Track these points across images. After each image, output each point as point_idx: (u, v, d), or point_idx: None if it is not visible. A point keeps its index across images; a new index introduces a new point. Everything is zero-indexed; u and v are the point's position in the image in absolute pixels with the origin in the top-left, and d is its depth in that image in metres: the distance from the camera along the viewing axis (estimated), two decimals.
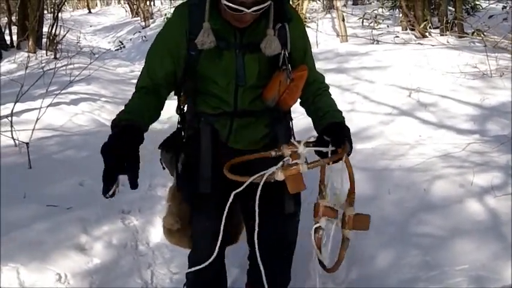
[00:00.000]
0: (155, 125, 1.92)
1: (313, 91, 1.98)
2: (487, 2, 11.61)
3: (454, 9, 8.98)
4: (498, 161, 3.66)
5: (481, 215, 3.08)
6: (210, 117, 1.99)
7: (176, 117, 2.14)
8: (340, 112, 1.91)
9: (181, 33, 1.87)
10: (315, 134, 1.85)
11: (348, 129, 1.80)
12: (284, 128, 2.09)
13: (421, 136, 4.54)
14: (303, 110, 2.06)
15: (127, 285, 2.90)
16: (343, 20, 9.05)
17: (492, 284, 2.48)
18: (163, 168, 2.21)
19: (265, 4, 1.71)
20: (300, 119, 2.44)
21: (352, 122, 4.86)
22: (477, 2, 11.04)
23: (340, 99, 5.59)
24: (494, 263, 2.61)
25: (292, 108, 2.10)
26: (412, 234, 3.01)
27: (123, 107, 1.81)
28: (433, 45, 7.45)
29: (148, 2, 18.54)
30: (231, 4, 1.67)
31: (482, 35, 7.56)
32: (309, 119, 1.98)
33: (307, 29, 2.09)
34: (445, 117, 4.90)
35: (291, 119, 2.16)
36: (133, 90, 1.92)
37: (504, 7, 10.58)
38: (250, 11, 1.67)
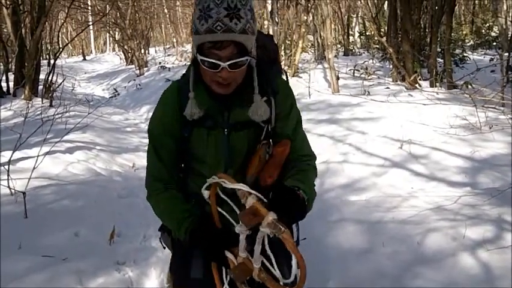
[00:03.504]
0: None
1: (294, 166, 1.88)
2: (474, 54, 11.97)
3: (443, 61, 9.22)
4: (490, 214, 3.72)
5: (475, 268, 3.12)
6: (201, 199, 1.87)
7: None
8: (310, 188, 1.81)
9: (174, 112, 1.85)
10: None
11: (299, 202, 1.69)
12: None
13: (413, 188, 4.61)
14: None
15: None
16: (338, 78, 9.30)
17: None
18: (164, 248, 2.11)
19: (242, 58, 1.67)
20: None
21: (345, 173, 4.94)
22: (465, 54, 11.38)
23: (333, 150, 5.69)
24: None
25: None
26: None
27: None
28: (423, 99, 7.61)
29: (143, 50, 18.83)
30: (206, 59, 1.66)
31: (471, 87, 7.73)
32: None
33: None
34: (436, 169, 4.98)
35: None
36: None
37: (491, 59, 10.91)
38: (226, 64, 1.64)
